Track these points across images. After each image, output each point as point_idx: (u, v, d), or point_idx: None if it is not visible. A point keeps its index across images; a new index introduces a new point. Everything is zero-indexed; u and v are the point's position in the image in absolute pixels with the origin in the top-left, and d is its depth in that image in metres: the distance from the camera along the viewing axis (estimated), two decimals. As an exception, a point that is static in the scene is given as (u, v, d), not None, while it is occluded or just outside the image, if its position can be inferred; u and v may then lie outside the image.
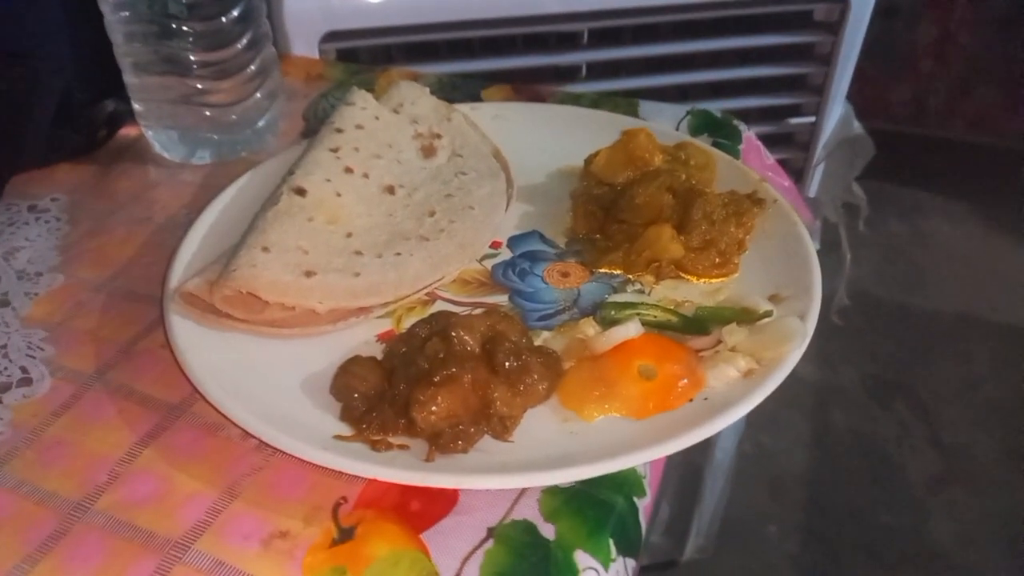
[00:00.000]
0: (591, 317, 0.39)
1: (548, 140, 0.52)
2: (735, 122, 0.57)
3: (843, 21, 0.80)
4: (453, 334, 0.34)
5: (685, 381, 0.34)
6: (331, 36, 0.72)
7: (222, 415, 0.33)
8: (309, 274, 0.38)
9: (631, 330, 0.36)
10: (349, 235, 0.41)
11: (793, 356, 0.34)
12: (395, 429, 0.32)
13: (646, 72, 0.82)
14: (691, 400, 0.34)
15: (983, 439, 1.30)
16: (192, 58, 0.49)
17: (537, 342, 0.37)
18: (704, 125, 0.56)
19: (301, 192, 0.41)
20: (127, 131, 0.57)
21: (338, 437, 0.32)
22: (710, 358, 0.35)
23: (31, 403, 0.36)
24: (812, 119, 0.86)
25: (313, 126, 0.57)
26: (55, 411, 0.36)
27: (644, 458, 0.31)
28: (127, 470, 0.33)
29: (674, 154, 0.46)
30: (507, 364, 0.33)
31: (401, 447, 0.32)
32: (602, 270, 0.43)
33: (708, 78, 0.83)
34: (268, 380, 0.35)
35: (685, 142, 0.48)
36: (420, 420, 0.32)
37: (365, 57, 0.74)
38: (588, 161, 0.47)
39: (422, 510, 0.31)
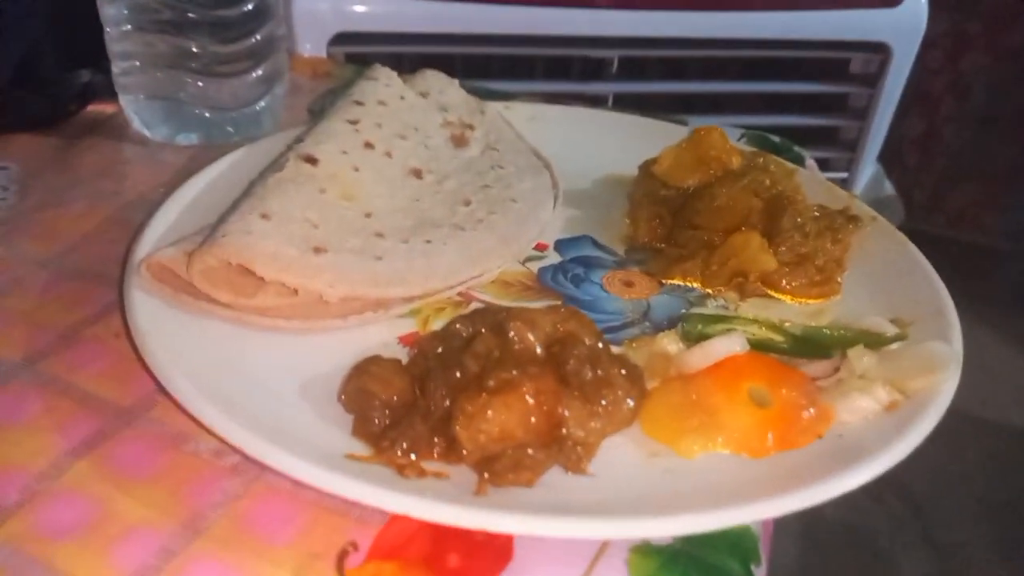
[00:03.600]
0: (671, 331, 0.31)
1: (592, 146, 0.45)
2: (796, 148, 0.51)
3: (883, 73, 0.75)
4: (511, 330, 0.26)
5: (810, 412, 0.26)
6: (340, 38, 0.65)
7: (191, 421, 0.24)
8: (319, 251, 0.29)
9: (735, 344, 0.28)
10: (368, 215, 0.33)
11: (948, 387, 0.26)
12: (429, 451, 0.24)
13: (673, 110, 0.76)
14: (820, 437, 0.26)
15: (976, 537, 1.24)
16: (190, 15, 0.42)
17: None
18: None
19: (311, 160, 0.33)
20: (102, 107, 0.49)
21: (351, 457, 0.23)
22: (833, 387, 0.27)
23: (-72, 394, 0.27)
24: (844, 175, 0.81)
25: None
26: (-41, 406, 0.27)
27: (773, 510, 0.22)
28: (48, 488, 0.24)
29: (751, 160, 0.39)
30: (582, 373, 0.25)
31: (437, 475, 0.23)
32: (673, 282, 0.35)
33: (736, 122, 0.78)
34: (256, 381, 0.26)
35: (761, 151, 0.41)
36: (467, 439, 0.23)
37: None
38: (647, 164, 0.40)
39: (463, 567, 0.22)
